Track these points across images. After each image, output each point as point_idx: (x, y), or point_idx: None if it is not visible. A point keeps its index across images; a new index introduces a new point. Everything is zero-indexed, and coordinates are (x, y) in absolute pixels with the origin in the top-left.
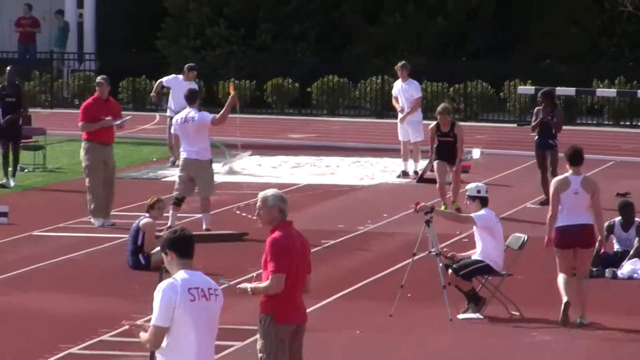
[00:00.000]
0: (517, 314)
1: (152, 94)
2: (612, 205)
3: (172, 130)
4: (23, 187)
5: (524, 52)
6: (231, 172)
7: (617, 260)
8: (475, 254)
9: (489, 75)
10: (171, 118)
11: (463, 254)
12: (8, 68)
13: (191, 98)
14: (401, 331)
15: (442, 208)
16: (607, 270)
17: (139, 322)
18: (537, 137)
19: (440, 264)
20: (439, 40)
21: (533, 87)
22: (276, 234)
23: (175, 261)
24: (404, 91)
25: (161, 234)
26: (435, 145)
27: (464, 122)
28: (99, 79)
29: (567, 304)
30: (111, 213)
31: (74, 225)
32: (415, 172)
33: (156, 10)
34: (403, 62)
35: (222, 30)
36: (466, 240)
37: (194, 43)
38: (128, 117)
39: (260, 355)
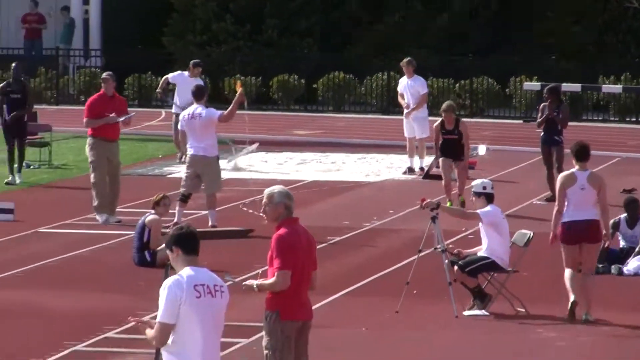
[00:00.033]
0: (523, 310)
1: (157, 90)
2: (618, 202)
3: (178, 127)
4: (29, 183)
5: (528, 48)
6: (236, 168)
7: (623, 256)
8: (481, 251)
9: (495, 71)
10: (177, 115)
11: (469, 250)
12: (13, 64)
13: (198, 94)
14: (407, 328)
15: (448, 204)
16: (613, 266)
17: (145, 318)
18: (542, 133)
19: (446, 261)
20: (444, 37)
21: (539, 84)
22: (282, 230)
23: (181, 258)
24: (409, 87)
25: (167, 230)
26: (440, 143)
27: (469, 118)
28: (104, 75)
29: (574, 303)
30: (117, 210)
31: (79, 222)
32: (421, 169)
33: (162, 6)
34: (408, 58)
35: (228, 26)
36: (472, 236)
37: (200, 39)
38: (132, 114)
39: (265, 352)
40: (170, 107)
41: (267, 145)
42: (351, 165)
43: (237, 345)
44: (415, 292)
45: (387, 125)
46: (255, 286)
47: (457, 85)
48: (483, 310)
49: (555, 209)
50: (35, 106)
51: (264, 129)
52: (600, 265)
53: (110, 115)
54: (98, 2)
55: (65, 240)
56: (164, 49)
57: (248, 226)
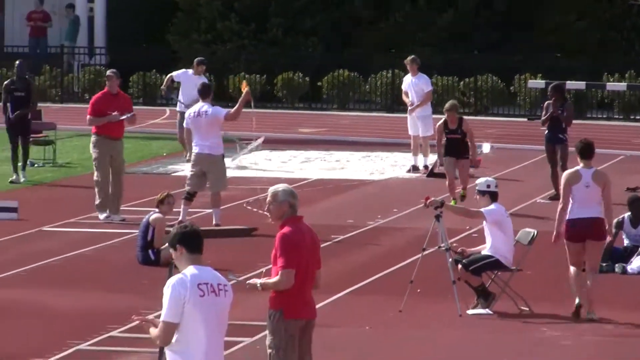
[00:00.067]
0: (527, 309)
1: (162, 88)
2: (622, 200)
3: (184, 124)
4: (33, 182)
5: (532, 46)
6: (240, 165)
7: (626, 255)
8: (485, 249)
9: (499, 69)
10: (181, 113)
11: (473, 249)
12: (17, 62)
13: (204, 92)
14: (411, 326)
15: (452, 203)
16: (616, 265)
17: (149, 317)
18: (547, 131)
19: (450, 259)
20: (448, 35)
21: (543, 81)
22: (286, 229)
23: (185, 256)
24: (413, 85)
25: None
26: (443, 142)
27: (473, 116)
28: (108, 72)
29: (578, 306)
30: (121, 208)
31: (83, 221)
32: (425, 167)
33: (167, 5)
34: (412, 56)
35: (233, 24)
36: (476, 235)
37: (205, 37)
38: (132, 114)
39: (269, 350)
40: (175, 105)
41: (272, 143)
42: (355, 164)
43: (241, 344)
44: (419, 290)
45: (392, 123)
46: (259, 285)
47: (462, 83)
48: (487, 309)
49: (560, 206)
50: (39, 104)
51: (269, 127)
52: (604, 264)
53: (113, 113)
54: (103, 0)
55: (69, 239)
56: (168, 47)
57: (252, 225)
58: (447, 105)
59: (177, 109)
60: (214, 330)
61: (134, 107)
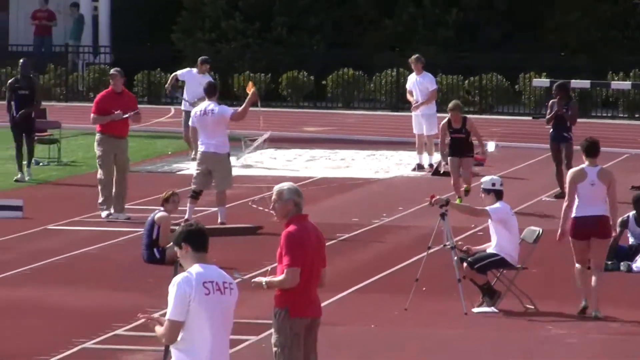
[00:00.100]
0: (532, 307)
1: (166, 86)
2: (627, 199)
3: (189, 123)
4: (38, 180)
5: (537, 45)
6: (245, 164)
7: (631, 253)
8: (490, 247)
9: (504, 68)
10: (186, 112)
11: (478, 247)
12: (21, 61)
13: (210, 91)
14: (416, 325)
15: (457, 201)
16: (622, 263)
17: (154, 315)
18: (552, 129)
19: (455, 258)
20: (453, 33)
21: (548, 80)
22: (291, 227)
23: (190, 255)
24: (418, 84)
25: (177, 227)
26: (447, 142)
27: (478, 115)
28: (112, 71)
29: (585, 308)
30: (126, 207)
31: (88, 219)
32: (430, 165)
33: (171, 3)
34: (417, 55)
35: (238, 23)
36: (481, 233)
37: (209, 36)
38: (135, 111)
39: (275, 349)
40: (180, 103)
41: (277, 142)
42: (360, 162)
43: (246, 343)
44: (424, 289)
45: (397, 122)
46: (264, 283)
47: (467, 82)
48: (492, 307)
49: (565, 204)
50: (44, 103)
51: (274, 126)
52: (610, 262)
53: (116, 112)
54: None
55: (74, 238)
56: (173, 46)
57: (257, 223)
58: (450, 104)
59: (182, 107)
60: (220, 329)
61: (139, 105)
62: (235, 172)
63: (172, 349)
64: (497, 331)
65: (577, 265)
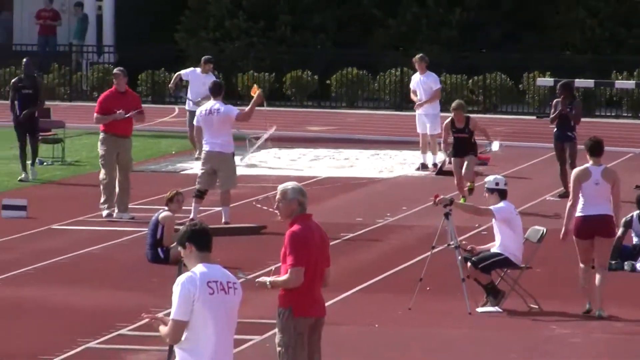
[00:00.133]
0: (536, 307)
1: (170, 86)
2: (631, 198)
3: (194, 122)
4: (42, 180)
5: (541, 44)
6: (249, 163)
7: (635, 253)
8: (494, 247)
9: (508, 67)
10: (191, 112)
11: (482, 246)
12: (24, 60)
13: (216, 90)
14: (420, 324)
15: (461, 201)
16: (626, 263)
17: (158, 315)
18: (555, 129)
19: (459, 257)
20: (457, 33)
21: (552, 79)
22: (295, 227)
23: (195, 254)
24: (422, 84)
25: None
26: (450, 141)
27: (482, 114)
28: (115, 70)
29: (588, 311)
30: (130, 206)
31: (92, 219)
32: (434, 165)
33: (175, 3)
34: (421, 54)
35: (241, 22)
36: (485, 233)
37: (213, 35)
38: (138, 110)
39: (278, 348)
40: (184, 103)
41: (281, 141)
42: (364, 162)
43: (250, 342)
44: (428, 288)
45: (401, 122)
46: (268, 283)
47: (470, 81)
48: (496, 307)
49: (569, 203)
50: (48, 102)
51: (278, 125)
52: (613, 262)
53: (118, 112)
54: None
55: (78, 237)
56: (177, 46)
57: (261, 223)
58: (453, 104)
59: (186, 107)
60: (224, 328)
61: (143, 105)
62: (240, 171)
63: (176, 349)
64: (501, 331)
65: (581, 265)
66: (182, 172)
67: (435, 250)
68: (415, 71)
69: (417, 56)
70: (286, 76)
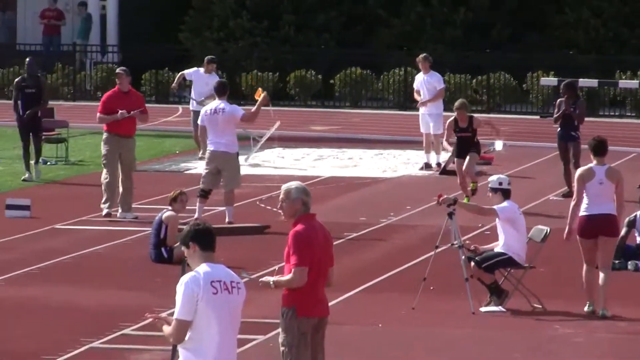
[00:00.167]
0: (540, 306)
1: (173, 85)
2: (634, 198)
3: (198, 122)
4: (45, 180)
5: (545, 44)
6: (253, 163)
7: (639, 252)
8: (498, 247)
9: (512, 66)
10: (195, 112)
11: (485, 246)
12: (27, 59)
13: (221, 90)
14: (423, 324)
15: (465, 200)
16: (629, 262)
17: (162, 315)
18: (559, 128)
19: (463, 257)
20: (461, 33)
21: (556, 79)
22: (299, 226)
23: (198, 254)
24: (426, 83)
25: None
26: (453, 140)
27: (486, 114)
28: (117, 70)
29: (591, 312)
30: (133, 206)
31: (96, 219)
32: (438, 164)
33: (179, 3)
34: (424, 54)
35: (245, 22)
36: (489, 232)
37: (217, 35)
38: (139, 110)
39: (282, 348)
40: (188, 102)
41: (284, 141)
42: (368, 161)
43: (254, 342)
44: (432, 288)
45: (404, 121)
46: (271, 283)
47: (474, 80)
48: (500, 307)
49: (573, 202)
50: (52, 102)
51: (281, 125)
52: (617, 262)
53: (120, 111)
54: None
55: (81, 237)
56: (181, 45)
57: (264, 222)
58: (456, 103)
59: (191, 107)
60: (227, 328)
61: (147, 105)
62: (243, 171)
63: (179, 349)
64: (505, 330)
65: (585, 266)
66: (185, 172)
67: (439, 249)
68: (419, 71)
69: (421, 56)
70: (290, 76)
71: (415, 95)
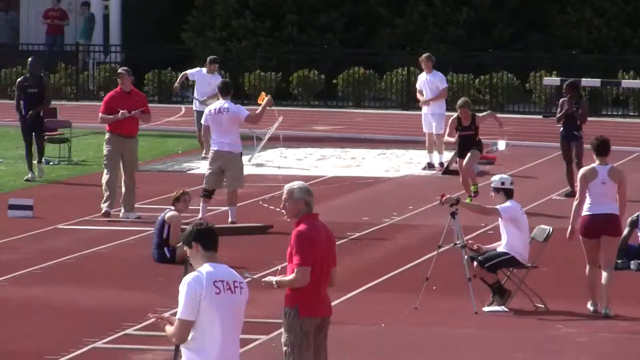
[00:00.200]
0: (542, 306)
1: (175, 85)
2: (637, 197)
3: (202, 121)
4: (48, 180)
5: (548, 44)
6: (256, 163)
7: None
8: (501, 246)
9: (515, 66)
10: (198, 112)
11: (488, 246)
12: (30, 59)
13: (224, 90)
14: (426, 324)
15: (467, 200)
16: (632, 262)
17: (165, 314)
18: (562, 128)
19: (466, 256)
20: (463, 32)
21: (558, 79)
22: (301, 226)
23: (201, 254)
24: (428, 83)
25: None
26: (454, 139)
27: None
28: (119, 70)
29: (594, 311)
30: (136, 206)
31: (98, 219)
32: (441, 164)
33: (182, 2)
34: (427, 54)
35: (248, 22)
36: (491, 232)
37: (220, 35)
38: (140, 109)
39: (284, 348)
40: (190, 102)
41: (287, 141)
42: (371, 161)
43: (257, 342)
44: (434, 288)
45: (407, 121)
46: (274, 282)
47: (477, 80)
48: (502, 306)
49: (576, 202)
50: (54, 102)
51: (284, 125)
52: (620, 261)
53: (122, 111)
54: None
55: (84, 237)
56: (183, 45)
57: (267, 222)
58: (459, 102)
59: (194, 107)
60: (230, 328)
61: (150, 105)
62: (246, 170)
63: (182, 349)
64: (507, 330)
65: (588, 266)
66: (188, 172)
67: (442, 249)
68: (422, 70)
69: (424, 55)
70: (293, 76)
71: (418, 95)
